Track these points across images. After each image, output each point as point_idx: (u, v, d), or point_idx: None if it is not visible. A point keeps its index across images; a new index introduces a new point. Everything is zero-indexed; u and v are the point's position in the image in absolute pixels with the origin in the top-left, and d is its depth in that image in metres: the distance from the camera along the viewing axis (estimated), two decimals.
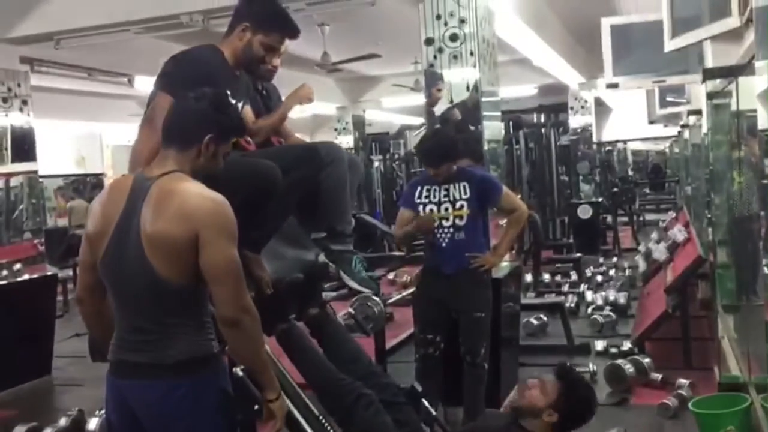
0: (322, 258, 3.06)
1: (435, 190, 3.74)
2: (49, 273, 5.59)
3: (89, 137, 13.34)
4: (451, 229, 3.71)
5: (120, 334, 1.99)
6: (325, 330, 3.04)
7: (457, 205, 3.70)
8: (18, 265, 6.22)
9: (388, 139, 12.50)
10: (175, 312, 1.93)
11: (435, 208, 3.73)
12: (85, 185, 13.98)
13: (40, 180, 6.81)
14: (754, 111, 3.14)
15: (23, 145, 6.01)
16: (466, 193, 3.70)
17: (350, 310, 3.72)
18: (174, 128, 2.01)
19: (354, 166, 3.36)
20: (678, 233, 5.96)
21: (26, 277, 5.53)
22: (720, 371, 4.15)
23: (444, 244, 3.73)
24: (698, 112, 6.15)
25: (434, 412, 3.26)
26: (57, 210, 12.20)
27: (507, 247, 3.97)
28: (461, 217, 3.70)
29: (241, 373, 2.25)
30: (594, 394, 2.70)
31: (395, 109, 12.33)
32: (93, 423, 4.17)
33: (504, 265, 4.19)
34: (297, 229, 3.03)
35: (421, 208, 3.76)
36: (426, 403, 3.20)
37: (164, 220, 1.88)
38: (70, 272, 9.84)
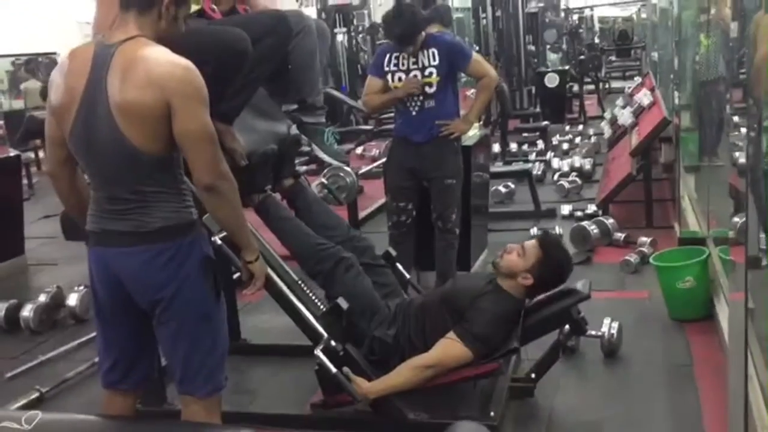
0: (294, 130, 3.06)
1: (403, 57, 3.68)
2: (11, 154, 5.47)
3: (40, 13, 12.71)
4: (421, 97, 3.68)
5: (98, 204, 1.99)
6: (301, 200, 3.08)
7: (426, 72, 3.66)
8: None
9: (352, 10, 12.10)
10: (151, 180, 1.93)
11: (403, 76, 3.69)
12: (38, 65, 13.47)
13: None
14: None
15: None
16: (435, 60, 3.65)
17: (323, 180, 3.76)
18: None
19: (322, 34, 3.29)
20: (644, 97, 6.00)
21: None
22: (680, 228, 4.32)
23: (414, 113, 3.71)
24: None
25: (408, 276, 3.39)
26: None
27: (477, 114, 3.98)
28: (431, 85, 3.66)
29: (219, 242, 2.31)
30: (569, 263, 2.76)
31: None
32: (72, 298, 4.25)
33: (473, 134, 4.21)
34: (267, 102, 3.01)
35: (389, 76, 3.71)
36: (400, 267, 3.32)
37: (133, 88, 1.84)
38: (32, 155, 9.68)
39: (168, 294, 1.95)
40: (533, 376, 2.87)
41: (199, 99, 1.88)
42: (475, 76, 3.85)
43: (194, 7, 2.64)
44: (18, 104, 11.92)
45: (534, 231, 5.06)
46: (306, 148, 3.14)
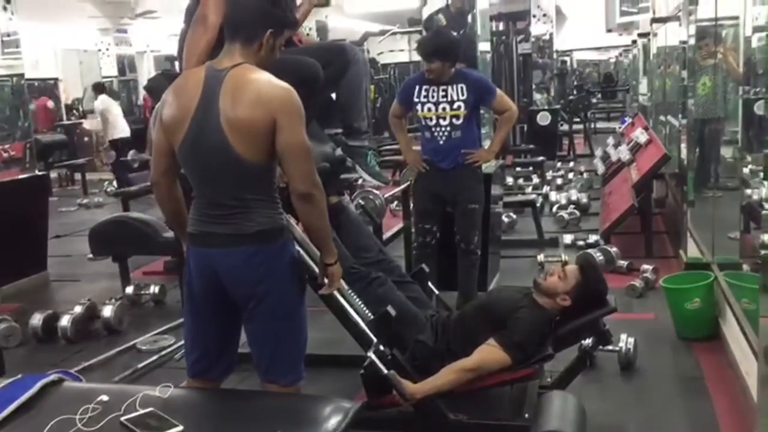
0: (338, 152, 3.31)
1: (433, 90, 3.97)
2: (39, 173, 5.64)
3: (42, 40, 12.91)
4: (449, 128, 3.97)
5: (200, 209, 2.23)
6: (344, 216, 3.30)
7: (455, 105, 3.94)
8: None
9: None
10: (251, 188, 2.17)
11: (433, 107, 3.98)
12: (34, 89, 13.61)
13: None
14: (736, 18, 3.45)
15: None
16: (463, 94, 3.94)
17: (359, 201, 4.02)
18: (238, 24, 2.20)
19: (366, 65, 3.56)
20: (640, 135, 6.38)
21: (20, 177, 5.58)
22: (686, 255, 4.62)
23: (441, 142, 4.00)
24: (663, 20, 6.46)
25: (436, 291, 3.62)
26: None
27: (499, 144, 4.27)
28: (458, 117, 3.96)
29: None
30: (606, 289, 2.94)
31: (357, 15, 12.32)
32: (107, 310, 4.43)
33: (492, 163, 4.51)
34: (314, 125, 3.25)
35: (419, 106, 4.01)
36: (430, 284, 3.56)
37: (244, 106, 2.10)
38: None
39: (262, 290, 2.18)
40: (561, 383, 3.10)
41: (299, 117, 2.14)
42: (499, 111, 4.16)
43: None
44: None
45: (540, 258, 5.35)
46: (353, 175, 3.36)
